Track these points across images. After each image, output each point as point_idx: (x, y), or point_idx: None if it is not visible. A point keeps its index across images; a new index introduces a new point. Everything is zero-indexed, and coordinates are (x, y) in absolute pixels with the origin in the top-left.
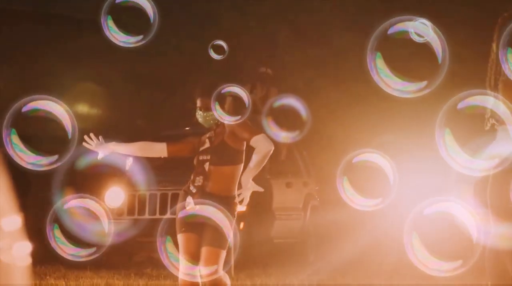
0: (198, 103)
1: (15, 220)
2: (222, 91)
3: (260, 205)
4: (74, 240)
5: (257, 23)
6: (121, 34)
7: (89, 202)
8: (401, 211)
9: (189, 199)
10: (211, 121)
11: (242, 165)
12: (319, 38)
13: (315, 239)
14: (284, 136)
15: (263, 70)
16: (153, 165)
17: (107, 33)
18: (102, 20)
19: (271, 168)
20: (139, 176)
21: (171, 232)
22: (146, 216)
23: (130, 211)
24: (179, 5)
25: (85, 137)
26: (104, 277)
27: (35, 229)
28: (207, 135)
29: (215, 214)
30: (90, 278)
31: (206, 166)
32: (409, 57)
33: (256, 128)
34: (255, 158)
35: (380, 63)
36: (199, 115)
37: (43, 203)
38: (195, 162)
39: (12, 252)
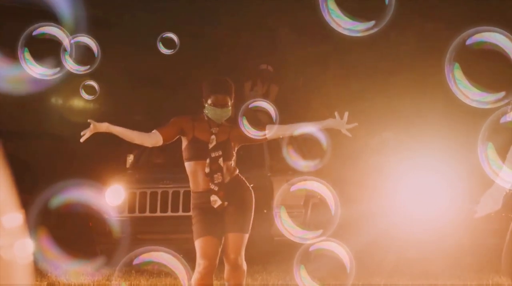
0: (212, 99)
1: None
2: (250, 106)
3: (261, 202)
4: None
5: (258, 20)
6: (38, 66)
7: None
8: (401, 209)
9: (214, 197)
10: (224, 118)
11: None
12: (320, 35)
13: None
14: (304, 165)
15: (264, 67)
16: (154, 162)
17: (24, 65)
18: (19, 53)
19: (271, 165)
20: (140, 174)
21: (126, 278)
22: (147, 213)
23: (131, 209)
24: (180, 2)
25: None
26: (104, 275)
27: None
28: (212, 131)
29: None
30: (91, 275)
31: (221, 161)
32: (486, 68)
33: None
34: (296, 124)
35: (458, 74)
36: (212, 110)
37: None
38: (191, 153)
39: (13, 249)
